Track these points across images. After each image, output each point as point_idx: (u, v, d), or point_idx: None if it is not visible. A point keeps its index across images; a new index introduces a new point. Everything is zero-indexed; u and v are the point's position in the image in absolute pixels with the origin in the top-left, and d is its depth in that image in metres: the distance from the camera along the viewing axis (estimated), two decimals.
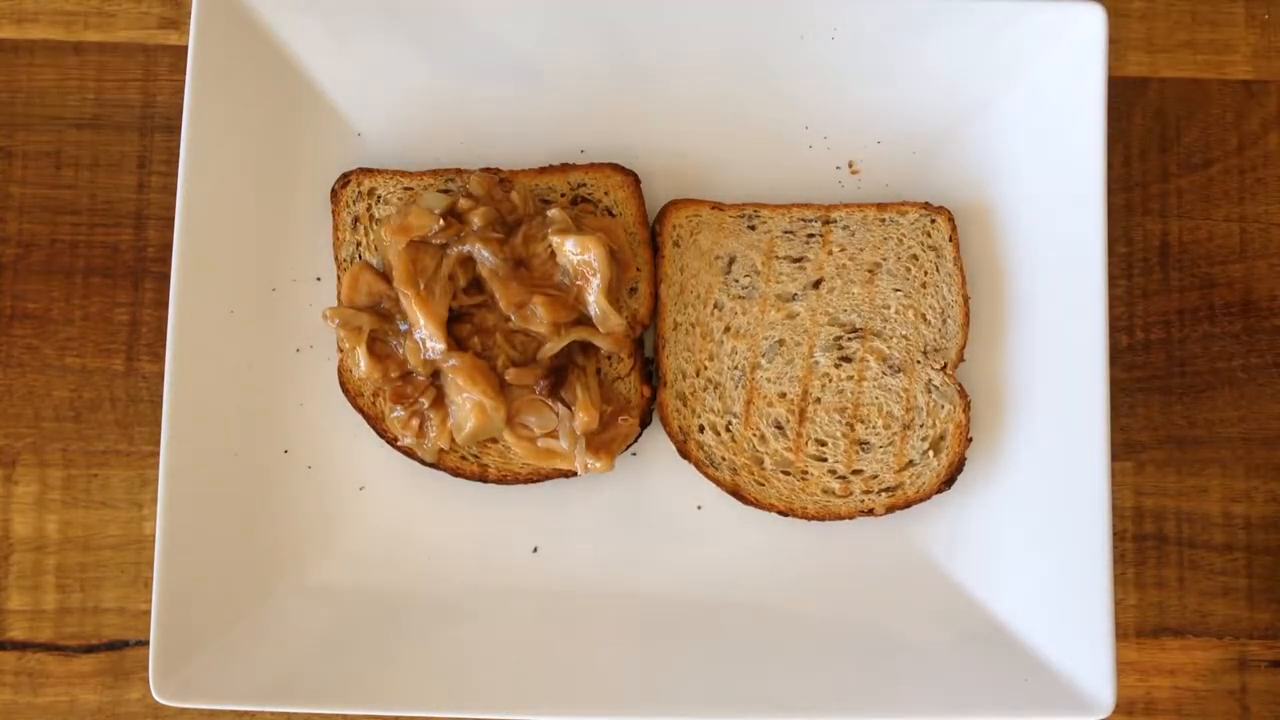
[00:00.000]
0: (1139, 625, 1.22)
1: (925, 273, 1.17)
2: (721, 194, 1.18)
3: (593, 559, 1.16)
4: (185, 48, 1.13)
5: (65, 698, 1.19)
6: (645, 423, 1.16)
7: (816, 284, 1.17)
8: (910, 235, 1.17)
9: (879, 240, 1.17)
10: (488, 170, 1.15)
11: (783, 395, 1.15)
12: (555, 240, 1.12)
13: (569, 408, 1.12)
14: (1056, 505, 1.12)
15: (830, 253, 1.17)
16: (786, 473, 1.15)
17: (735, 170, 1.18)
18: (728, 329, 1.16)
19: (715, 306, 1.16)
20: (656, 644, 1.13)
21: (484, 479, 1.15)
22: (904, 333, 1.16)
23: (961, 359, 1.16)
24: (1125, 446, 1.22)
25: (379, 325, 1.13)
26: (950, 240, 1.17)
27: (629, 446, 1.16)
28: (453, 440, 1.13)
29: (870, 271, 1.17)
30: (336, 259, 1.16)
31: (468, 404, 1.11)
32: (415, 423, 1.13)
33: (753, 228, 1.17)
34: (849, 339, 1.16)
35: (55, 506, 1.20)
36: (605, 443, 1.13)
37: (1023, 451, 1.15)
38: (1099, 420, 1.11)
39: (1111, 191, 1.22)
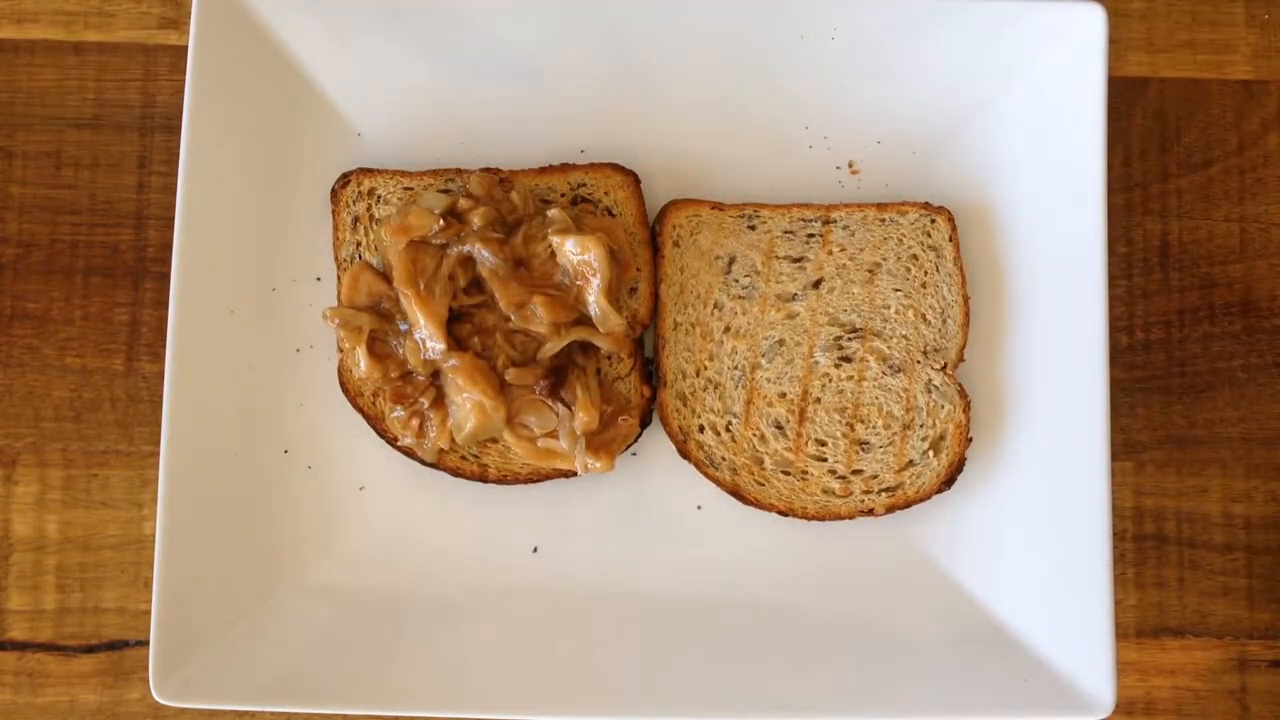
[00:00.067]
0: (1139, 625, 1.22)
1: (925, 273, 1.17)
2: (721, 194, 1.18)
3: (593, 559, 1.16)
4: (185, 48, 1.13)
5: (65, 698, 1.19)
6: (645, 423, 1.16)
7: (816, 284, 1.17)
8: (910, 235, 1.17)
9: (879, 240, 1.17)
10: (488, 170, 1.15)
11: (783, 395, 1.15)
12: (555, 240, 1.12)
13: (569, 408, 1.12)
14: (1056, 505, 1.12)
15: (830, 253, 1.17)
16: (786, 473, 1.15)
17: (735, 170, 1.18)
18: (728, 329, 1.16)
19: (715, 306, 1.16)
20: (656, 644, 1.13)
21: (484, 479, 1.15)
22: (904, 333, 1.16)
23: (961, 359, 1.16)
24: (1125, 446, 1.22)
25: (379, 325, 1.13)
26: (950, 240, 1.17)
27: (629, 446, 1.16)
28: (453, 440, 1.13)
29: (870, 271, 1.17)
30: (336, 259, 1.16)
31: (468, 404, 1.11)
32: (415, 423, 1.13)
33: (753, 228, 1.17)
34: (849, 339, 1.16)
35: (55, 506, 1.20)
36: (605, 443, 1.13)
37: (1023, 451, 1.15)
38: (1099, 420, 1.11)
39: (1111, 191, 1.22)
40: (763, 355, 1.16)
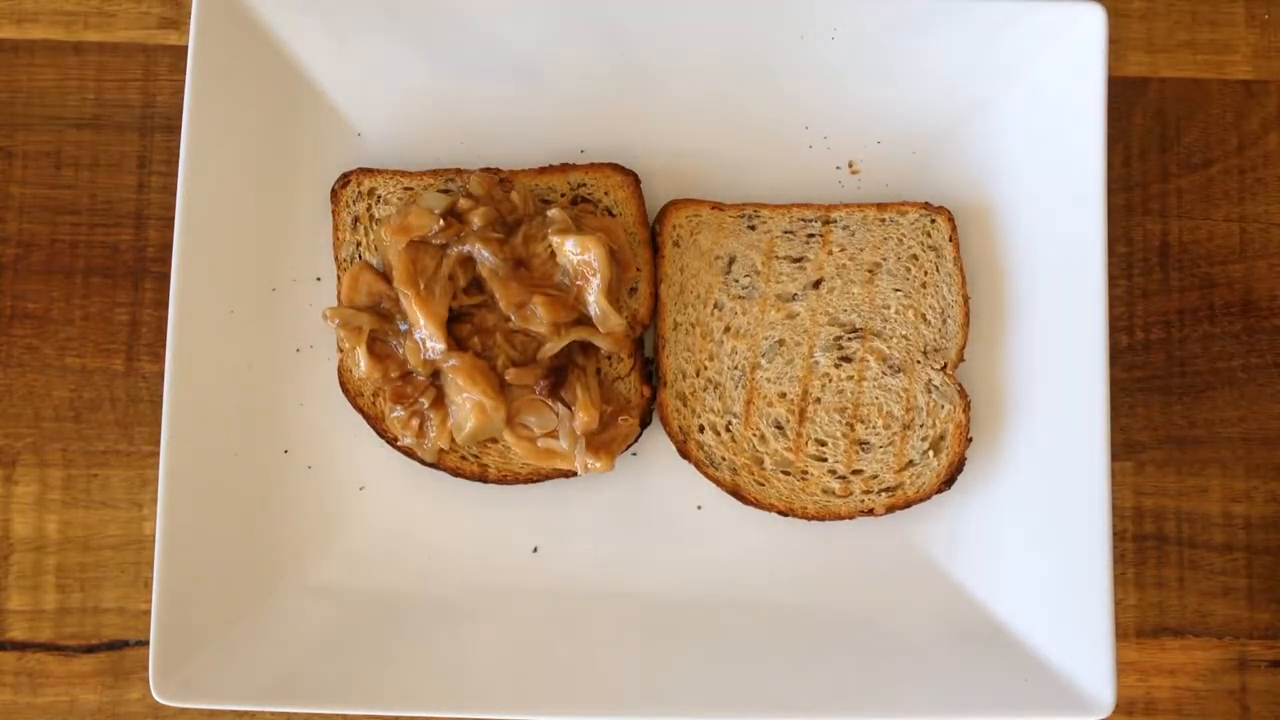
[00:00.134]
0: (1139, 625, 1.22)
1: (925, 273, 1.17)
2: (721, 194, 1.18)
3: (593, 559, 1.16)
4: (185, 48, 1.13)
5: (65, 698, 1.19)
6: (645, 423, 1.16)
7: (816, 284, 1.17)
8: (910, 235, 1.17)
9: (879, 240, 1.17)
10: (488, 170, 1.15)
11: (783, 395, 1.15)
12: (555, 240, 1.12)
13: (569, 408, 1.12)
14: (1056, 505, 1.12)
15: (830, 253, 1.17)
16: (786, 473, 1.15)
17: (735, 170, 1.18)
18: (728, 329, 1.16)
19: (715, 306, 1.16)
20: (656, 644, 1.13)
21: (484, 479, 1.15)
22: (904, 333, 1.16)
23: (961, 359, 1.16)
24: (1125, 446, 1.22)
25: (379, 325, 1.13)
26: (950, 240, 1.17)
27: (629, 446, 1.16)
28: (453, 440, 1.13)
29: (870, 271, 1.17)
30: (336, 259, 1.16)
31: (468, 404, 1.11)
32: (415, 423, 1.13)
33: (753, 228, 1.17)
34: (849, 339, 1.16)
35: (55, 506, 1.20)
36: (605, 443, 1.13)
37: (1023, 451, 1.15)
38: (1099, 420, 1.11)
39: (1111, 191, 1.22)
40: (763, 355, 1.16)
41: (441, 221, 1.12)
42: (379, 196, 1.16)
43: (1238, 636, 1.22)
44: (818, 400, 1.15)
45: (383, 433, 1.15)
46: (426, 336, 1.11)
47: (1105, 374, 1.12)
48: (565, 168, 1.17)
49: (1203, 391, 1.23)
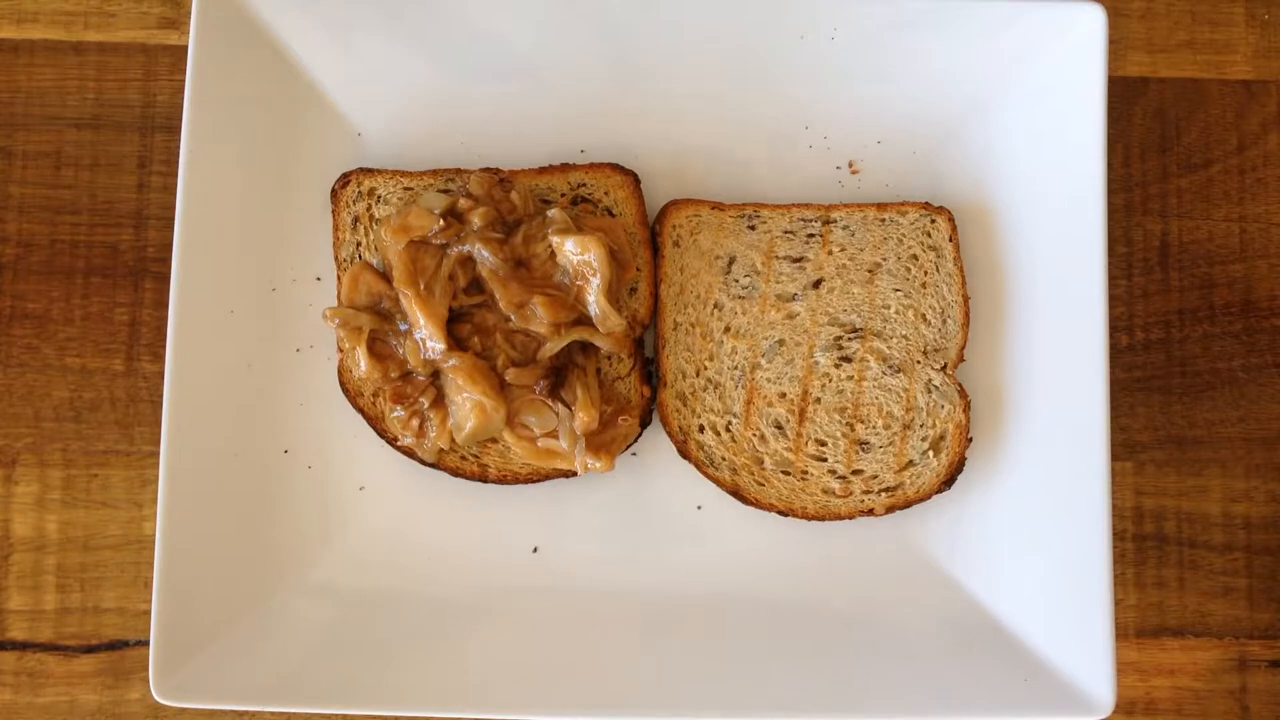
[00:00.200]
0: (1139, 625, 1.22)
1: (925, 273, 1.17)
2: (721, 194, 1.18)
3: (593, 559, 1.16)
4: (185, 48, 1.13)
5: (65, 698, 1.19)
6: (645, 423, 1.16)
7: (816, 284, 1.17)
8: (910, 235, 1.17)
9: (879, 240, 1.17)
10: (488, 170, 1.15)
11: (783, 395, 1.15)
12: (555, 240, 1.12)
13: (569, 408, 1.12)
14: (1056, 505, 1.12)
15: (830, 253, 1.17)
16: (786, 473, 1.15)
17: (735, 170, 1.19)
18: (728, 329, 1.16)
19: (715, 306, 1.16)
20: (656, 644, 1.13)
21: (484, 479, 1.15)
22: (904, 333, 1.16)
23: (961, 359, 1.16)
24: (1125, 446, 1.22)
25: (379, 325, 1.13)
26: (950, 240, 1.17)
27: (629, 446, 1.16)
28: (453, 440, 1.13)
29: (870, 271, 1.17)
30: (336, 259, 1.16)
31: (468, 404, 1.11)
32: (415, 423, 1.13)
33: (753, 228, 1.17)
34: (849, 339, 1.16)
35: (55, 506, 1.20)
36: (605, 443, 1.13)
37: (1023, 451, 1.15)
38: (1099, 420, 1.11)
39: (1111, 191, 1.22)
40: (763, 355, 1.16)
41: (441, 221, 1.12)
42: (379, 196, 1.16)
43: (1238, 636, 1.22)
44: (818, 400, 1.15)
45: (383, 433, 1.15)
46: (426, 336, 1.11)
47: (1105, 374, 1.12)
48: (565, 168, 1.17)
49: (1203, 391, 1.23)
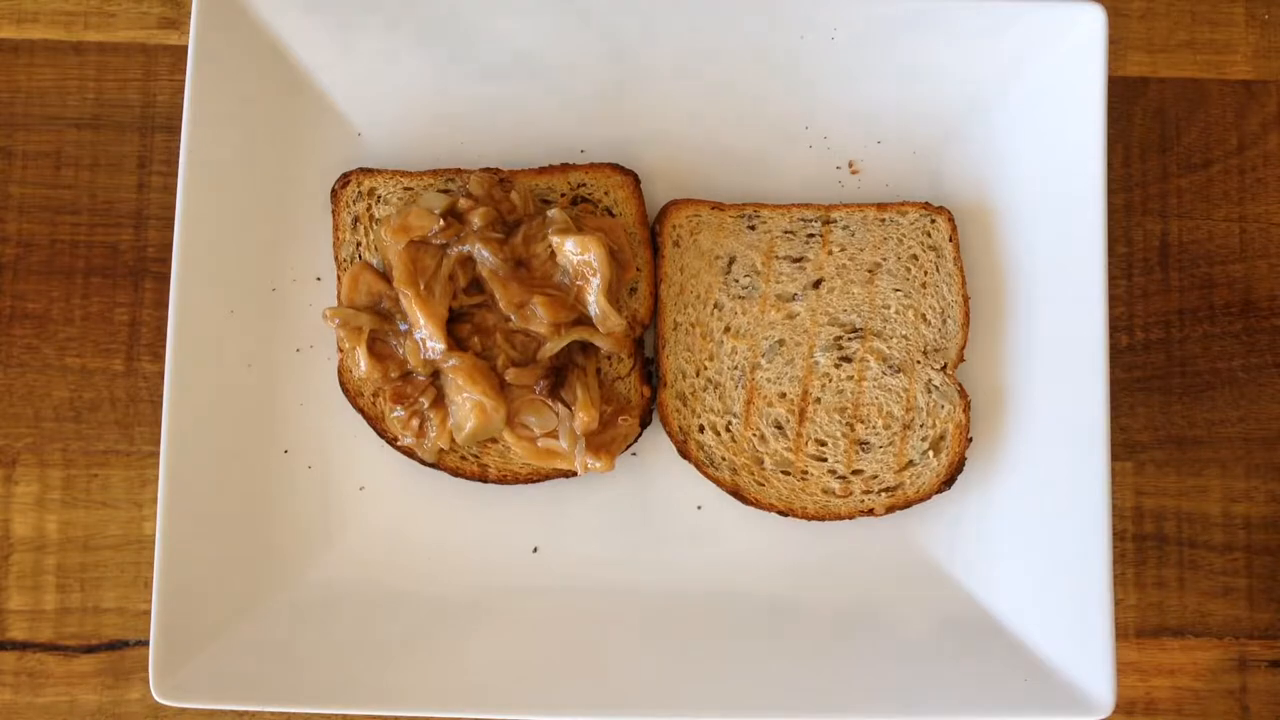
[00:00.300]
0: (1139, 625, 1.22)
1: (925, 273, 1.17)
2: (721, 194, 1.18)
3: (593, 559, 1.16)
4: (185, 48, 1.13)
5: (65, 698, 1.19)
6: (645, 423, 1.16)
7: (816, 284, 1.17)
8: (910, 235, 1.17)
9: (879, 240, 1.17)
10: (488, 170, 1.15)
11: (783, 395, 1.15)
12: (555, 240, 1.12)
13: (569, 408, 1.12)
14: (1056, 505, 1.12)
15: (830, 253, 1.17)
16: (786, 473, 1.15)
17: (735, 170, 1.18)
18: (728, 329, 1.16)
19: (715, 306, 1.16)
20: (656, 644, 1.13)
21: (484, 479, 1.15)
22: (904, 333, 1.16)
23: (961, 359, 1.16)
24: (1125, 446, 1.22)
25: (379, 325, 1.13)
26: (950, 240, 1.17)
27: (629, 446, 1.16)
28: (453, 440, 1.13)
29: (870, 271, 1.17)
30: (336, 259, 1.16)
31: (468, 404, 1.11)
32: (415, 423, 1.13)
33: (753, 228, 1.17)
34: (849, 339, 1.16)
35: (55, 506, 1.20)
36: (605, 443, 1.13)
37: (1023, 451, 1.15)
38: (1099, 420, 1.11)
39: (1111, 191, 1.22)
40: (763, 355, 1.16)
41: (441, 221, 1.12)
42: (379, 196, 1.16)
43: (1238, 636, 1.22)
44: (818, 400, 1.15)
45: (383, 433, 1.15)
46: (426, 336, 1.11)
47: (1105, 374, 1.12)
48: (565, 168, 1.17)
49: (1203, 391, 1.23)
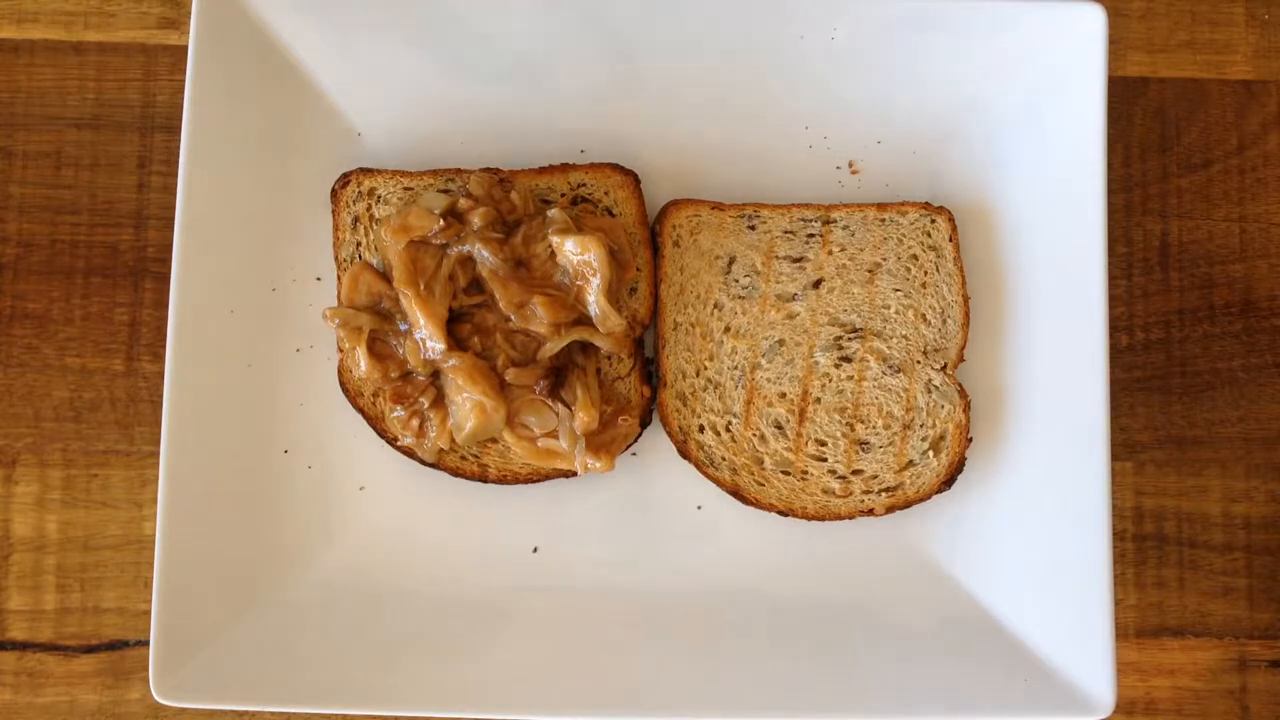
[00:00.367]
0: (1139, 625, 1.22)
1: (925, 273, 1.17)
2: (721, 194, 1.18)
3: (593, 559, 1.16)
4: (185, 48, 1.13)
5: (65, 698, 1.19)
6: (645, 423, 1.16)
7: (816, 284, 1.17)
8: (910, 235, 1.17)
9: (879, 240, 1.17)
10: (488, 170, 1.15)
11: (783, 395, 1.15)
12: (555, 240, 1.12)
13: (569, 408, 1.12)
14: (1056, 505, 1.12)
15: (830, 253, 1.17)
16: (786, 473, 1.15)
17: (735, 170, 1.18)
18: (728, 329, 1.16)
19: (715, 306, 1.16)
20: (656, 644, 1.13)
21: (484, 479, 1.15)
22: (904, 333, 1.16)
23: (961, 359, 1.16)
24: (1125, 446, 1.22)
25: (379, 325, 1.13)
26: (950, 240, 1.17)
27: (629, 446, 1.16)
28: (453, 440, 1.13)
29: (870, 271, 1.17)
30: (336, 259, 1.16)
31: (468, 404, 1.11)
32: (415, 423, 1.13)
33: (753, 228, 1.17)
34: (849, 339, 1.16)
35: (55, 506, 1.20)
36: (605, 443, 1.13)
37: (1023, 451, 1.15)
38: (1099, 420, 1.11)
39: (1111, 191, 1.22)
40: (763, 355, 1.16)
41: (441, 221, 1.12)
42: (379, 196, 1.16)
43: (1238, 636, 1.22)
44: (818, 400, 1.15)
45: (383, 433, 1.15)
46: (426, 336, 1.11)
47: (1105, 374, 1.12)
48: (565, 168, 1.17)
49: (1202, 391, 1.23)
